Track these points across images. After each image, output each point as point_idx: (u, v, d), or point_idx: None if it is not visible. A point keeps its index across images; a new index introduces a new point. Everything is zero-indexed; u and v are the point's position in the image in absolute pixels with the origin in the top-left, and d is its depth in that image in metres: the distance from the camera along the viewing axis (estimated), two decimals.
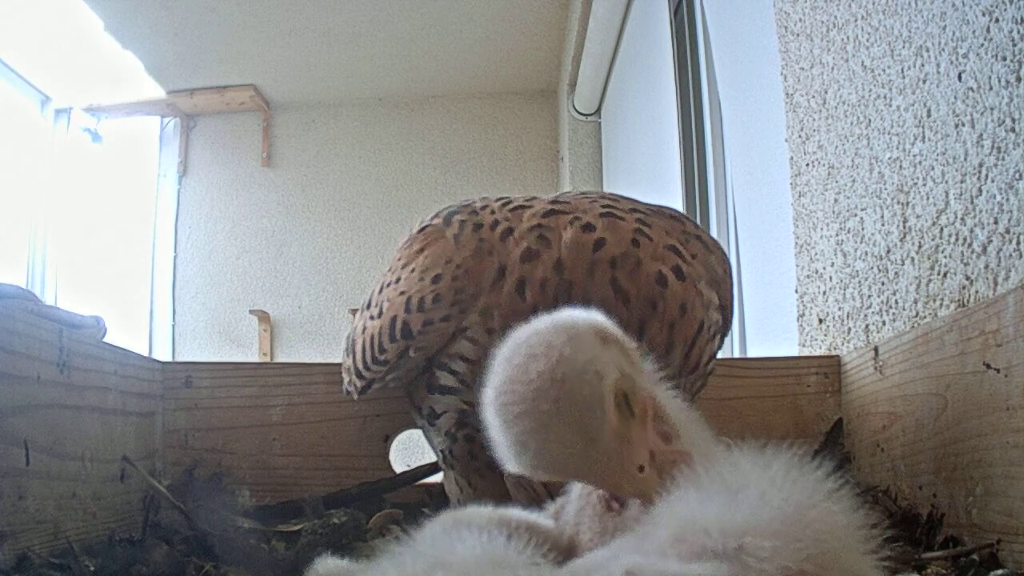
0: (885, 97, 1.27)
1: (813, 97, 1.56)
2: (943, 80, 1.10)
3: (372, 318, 0.98)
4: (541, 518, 0.72)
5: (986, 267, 1.01)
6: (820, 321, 1.56)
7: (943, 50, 1.10)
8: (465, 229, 0.92)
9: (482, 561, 0.55)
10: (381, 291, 0.98)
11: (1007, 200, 0.96)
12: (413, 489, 1.26)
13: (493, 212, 0.94)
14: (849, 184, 1.41)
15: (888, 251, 1.28)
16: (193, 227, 5.77)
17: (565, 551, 0.66)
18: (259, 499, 1.22)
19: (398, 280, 0.95)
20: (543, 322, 0.64)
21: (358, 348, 1.00)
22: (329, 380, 1.28)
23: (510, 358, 0.62)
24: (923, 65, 1.15)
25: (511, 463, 0.62)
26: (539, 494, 0.84)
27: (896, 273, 1.25)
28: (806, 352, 1.61)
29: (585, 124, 5.08)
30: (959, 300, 1.07)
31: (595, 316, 0.66)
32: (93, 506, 0.98)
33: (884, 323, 1.30)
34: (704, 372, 0.94)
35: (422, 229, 0.99)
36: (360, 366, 1.00)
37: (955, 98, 1.07)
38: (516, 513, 0.71)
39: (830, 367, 1.29)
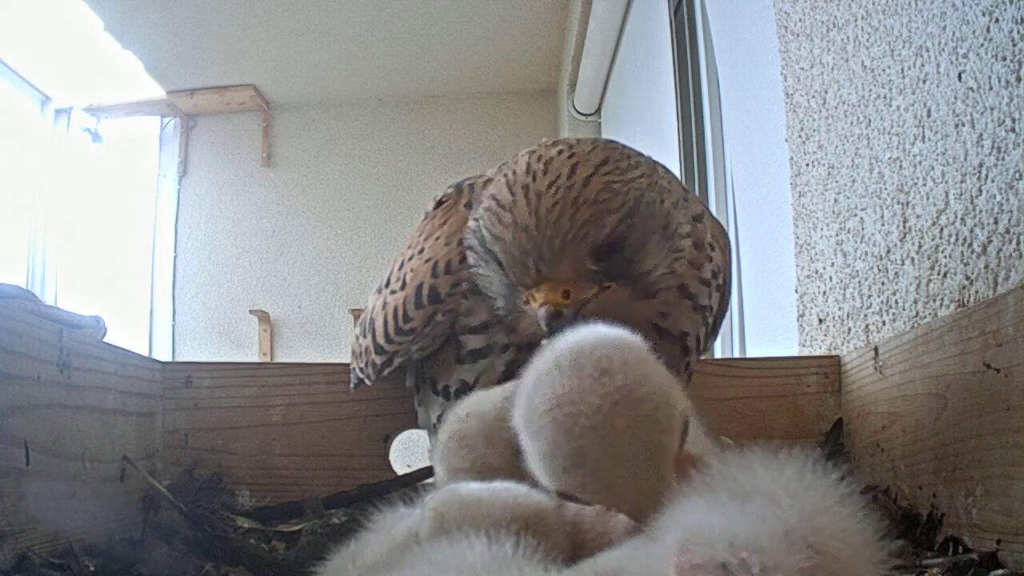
0: (885, 97, 1.27)
1: (813, 97, 1.56)
2: (943, 80, 1.10)
3: (393, 292, 1.00)
4: (545, 499, 0.68)
5: (986, 267, 1.01)
6: (820, 321, 1.56)
7: (943, 50, 1.09)
8: (476, 190, 0.97)
9: (491, 567, 0.55)
10: (402, 267, 1.01)
11: (1007, 200, 0.96)
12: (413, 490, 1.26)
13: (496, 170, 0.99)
14: (849, 184, 1.41)
15: (888, 251, 1.28)
16: (193, 227, 5.77)
17: (567, 546, 0.65)
18: (259, 499, 1.22)
19: (421, 251, 0.99)
20: (596, 335, 0.61)
21: (379, 324, 1.01)
22: (329, 380, 1.28)
23: (574, 367, 0.59)
24: (923, 65, 1.15)
25: (553, 477, 0.59)
26: None
27: (896, 273, 1.25)
28: (806, 352, 1.61)
29: (585, 124, 5.08)
30: (959, 300, 1.07)
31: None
32: (93, 506, 0.97)
33: (884, 323, 1.30)
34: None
35: (439, 203, 1.04)
36: (382, 340, 1.01)
37: (955, 98, 1.07)
38: (522, 495, 0.67)
39: (830, 367, 1.28)
